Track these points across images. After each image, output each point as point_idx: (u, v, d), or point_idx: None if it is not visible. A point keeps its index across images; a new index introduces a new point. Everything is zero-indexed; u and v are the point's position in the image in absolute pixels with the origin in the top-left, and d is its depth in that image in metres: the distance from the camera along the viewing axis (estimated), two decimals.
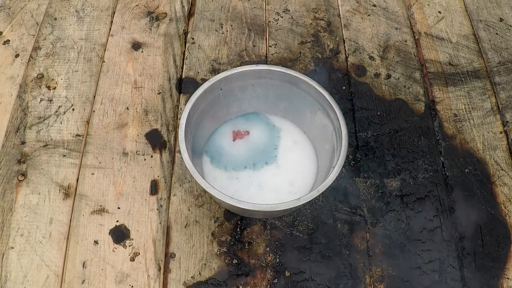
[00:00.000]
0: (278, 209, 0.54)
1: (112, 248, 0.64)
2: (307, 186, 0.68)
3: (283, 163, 0.70)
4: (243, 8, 0.91)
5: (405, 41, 0.87)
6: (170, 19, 0.88)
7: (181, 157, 0.58)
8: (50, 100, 0.77)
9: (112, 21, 0.88)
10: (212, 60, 0.83)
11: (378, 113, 0.78)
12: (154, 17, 0.89)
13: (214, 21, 0.89)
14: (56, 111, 0.76)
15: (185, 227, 0.66)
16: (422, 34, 0.89)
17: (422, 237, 0.66)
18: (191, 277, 0.62)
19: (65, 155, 0.72)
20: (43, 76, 0.80)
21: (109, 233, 0.65)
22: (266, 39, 0.86)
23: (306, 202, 0.55)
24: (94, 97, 0.78)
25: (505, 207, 0.69)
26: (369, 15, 0.91)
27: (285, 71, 0.65)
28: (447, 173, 0.72)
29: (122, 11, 0.90)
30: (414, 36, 0.88)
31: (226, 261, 0.64)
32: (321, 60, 0.84)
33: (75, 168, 0.71)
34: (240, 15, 0.90)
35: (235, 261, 0.64)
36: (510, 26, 0.90)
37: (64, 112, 0.76)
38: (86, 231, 0.65)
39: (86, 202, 0.68)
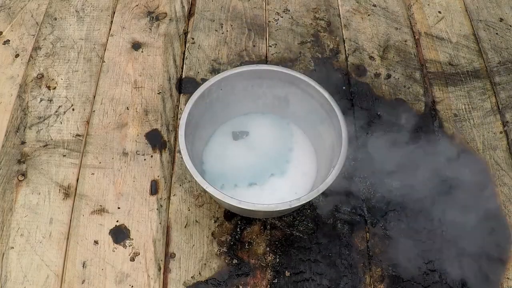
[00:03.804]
0: (278, 209, 0.54)
1: (112, 248, 0.64)
2: (307, 186, 0.68)
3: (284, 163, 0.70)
4: (243, 8, 0.91)
5: (405, 41, 0.87)
6: (170, 19, 0.88)
7: (181, 157, 0.58)
8: (50, 100, 0.77)
9: (112, 21, 0.88)
10: (212, 60, 0.83)
11: (378, 113, 0.78)
12: (154, 17, 0.89)
13: (214, 21, 0.89)
14: (56, 111, 0.76)
15: (185, 227, 0.66)
16: (422, 34, 0.89)
17: (422, 237, 0.66)
18: (191, 277, 0.63)
19: (65, 155, 0.72)
20: (43, 76, 0.80)
21: (109, 233, 0.65)
22: (266, 39, 0.86)
23: (306, 202, 0.56)
24: (94, 97, 0.78)
25: (505, 207, 0.69)
26: (369, 15, 0.91)
27: (285, 71, 0.65)
28: (447, 173, 0.72)
29: (122, 11, 0.90)
30: (414, 36, 0.88)
31: (226, 261, 0.64)
32: (321, 60, 0.84)
33: (75, 168, 0.71)
34: (240, 15, 0.90)
35: (235, 261, 0.64)
36: (510, 26, 0.90)
37: (64, 112, 0.76)
38: (86, 231, 0.65)
39: (86, 202, 0.68)
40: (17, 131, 0.74)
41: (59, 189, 0.69)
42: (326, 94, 0.63)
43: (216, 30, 0.87)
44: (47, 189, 0.68)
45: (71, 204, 0.67)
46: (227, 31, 0.87)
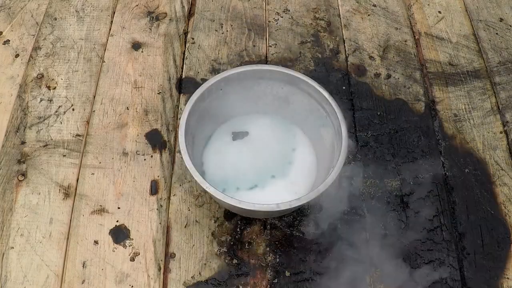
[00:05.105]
0: (278, 209, 0.55)
1: (112, 248, 0.64)
2: (307, 186, 0.68)
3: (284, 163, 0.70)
4: (243, 8, 0.91)
5: (405, 41, 0.87)
6: (170, 19, 0.88)
7: (181, 157, 0.58)
8: (50, 100, 0.77)
9: (112, 21, 0.88)
10: (212, 60, 0.83)
11: (378, 113, 0.78)
12: (154, 17, 0.89)
13: (214, 21, 0.89)
14: (56, 111, 0.76)
15: (185, 227, 0.66)
16: (422, 34, 0.89)
17: (422, 237, 0.66)
18: (191, 277, 0.63)
19: (65, 155, 0.72)
20: (43, 76, 0.80)
21: (109, 233, 0.65)
22: (266, 39, 0.86)
23: (306, 202, 0.56)
24: (94, 97, 0.78)
25: (505, 207, 0.69)
26: (369, 15, 0.91)
27: (285, 71, 0.65)
28: (447, 173, 0.72)
29: (122, 11, 0.90)
30: (414, 36, 0.88)
31: (226, 261, 0.64)
32: (321, 60, 0.84)
33: (75, 168, 0.71)
34: (240, 15, 0.90)
35: (235, 261, 0.64)
36: (510, 26, 0.90)
37: (64, 112, 0.76)
38: (86, 231, 0.65)
39: (86, 202, 0.68)
40: (17, 131, 0.74)
41: (59, 189, 0.69)
42: (326, 94, 0.63)
43: (216, 30, 0.87)
44: (47, 189, 0.68)
45: (71, 204, 0.67)
46: (227, 31, 0.87)
